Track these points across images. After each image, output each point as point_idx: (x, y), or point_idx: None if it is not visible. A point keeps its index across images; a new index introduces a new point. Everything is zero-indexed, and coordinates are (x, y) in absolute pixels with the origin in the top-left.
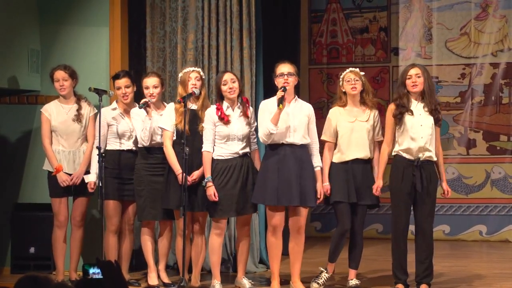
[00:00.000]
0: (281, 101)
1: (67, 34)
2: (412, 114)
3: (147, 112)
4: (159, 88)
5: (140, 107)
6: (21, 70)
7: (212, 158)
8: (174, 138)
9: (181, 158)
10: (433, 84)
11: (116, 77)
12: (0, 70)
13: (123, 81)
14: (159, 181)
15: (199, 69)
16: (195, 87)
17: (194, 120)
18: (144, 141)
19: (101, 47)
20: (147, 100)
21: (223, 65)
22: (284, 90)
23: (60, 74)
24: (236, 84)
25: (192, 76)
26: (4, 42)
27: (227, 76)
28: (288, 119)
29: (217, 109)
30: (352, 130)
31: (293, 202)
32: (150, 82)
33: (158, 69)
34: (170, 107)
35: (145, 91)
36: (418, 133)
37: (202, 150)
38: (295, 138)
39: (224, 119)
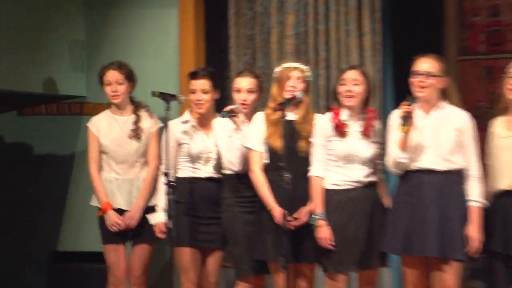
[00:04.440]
0: (406, 120)
1: (121, 19)
2: None
3: (235, 123)
4: (255, 94)
5: (223, 116)
6: (60, 69)
7: (325, 188)
8: (266, 160)
9: (277, 188)
10: None
11: (193, 75)
12: (32, 69)
13: (201, 83)
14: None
15: (303, 66)
16: (295, 90)
17: (292, 135)
18: (233, 165)
19: (168, 36)
20: (235, 107)
21: (334, 58)
22: (412, 101)
23: (113, 75)
24: (358, 89)
25: (293, 75)
26: (36, 30)
27: (350, 75)
28: (424, 134)
29: (333, 115)
30: (507, 149)
31: (429, 252)
32: (245, 84)
33: (245, 64)
34: (258, 118)
35: (236, 96)
36: None
37: (310, 174)
38: (434, 161)
39: (340, 130)
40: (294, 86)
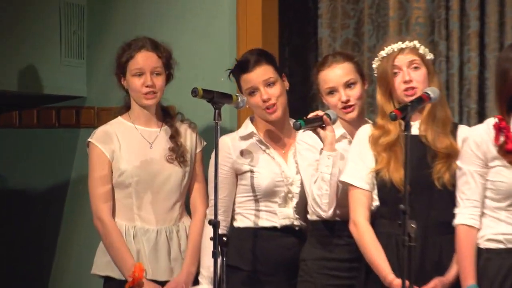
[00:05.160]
0: None
1: None
2: None
3: (322, 139)
4: (357, 89)
5: (301, 127)
6: (43, 54)
7: (479, 246)
8: (376, 203)
9: (394, 247)
10: None
11: (242, 66)
12: (4, 57)
13: (260, 72)
14: None
15: (417, 43)
16: (415, 87)
17: (421, 160)
18: (320, 208)
19: (220, 9)
20: (324, 114)
21: (493, 32)
22: None
23: (148, 59)
24: None
25: (401, 60)
26: None
27: None
28: None
29: (496, 127)
30: None
31: None
32: (339, 73)
33: (344, 44)
34: (363, 133)
35: (327, 95)
36: None
37: (454, 223)
38: None
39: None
40: (410, 85)
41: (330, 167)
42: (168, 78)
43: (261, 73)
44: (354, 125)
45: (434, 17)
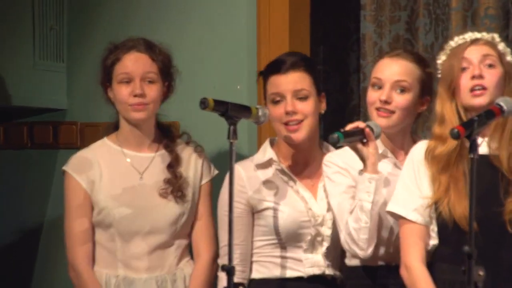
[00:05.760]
0: None
1: None
2: None
3: (362, 157)
4: (405, 96)
5: (338, 142)
6: (16, 55)
7: None
8: (433, 242)
9: None
10: None
11: (274, 66)
12: None
13: (292, 80)
14: None
15: (496, 36)
16: (486, 88)
17: (491, 188)
18: (357, 244)
19: (237, 9)
20: (365, 126)
21: None
22: None
23: (138, 62)
24: None
25: (472, 56)
26: None
27: None
28: None
29: None
30: None
31: None
32: (391, 72)
33: (394, 41)
34: (417, 153)
35: (372, 97)
36: None
37: None
38: None
39: None
40: (480, 82)
41: (372, 193)
42: (168, 90)
43: (294, 80)
44: (396, 142)
45: (509, 7)
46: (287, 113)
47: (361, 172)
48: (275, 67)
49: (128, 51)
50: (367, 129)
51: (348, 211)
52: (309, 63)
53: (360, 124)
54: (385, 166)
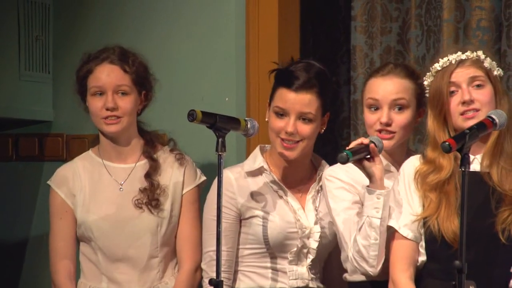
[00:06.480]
0: None
1: None
2: None
3: (368, 173)
4: (405, 115)
5: (348, 161)
6: (0, 66)
7: None
8: (422, 259)
9: None
10: None
11: (287, 78)
12: None
13: (300, 101)
14: None
15: (481, 54)
16: (476, 107)
17: (483, 203)
18: (367, 262)
19: (225, 14)
20: (369, 142)
21: None
22: None
23: (110, 74)
24: None
25: (459, 75)
26: None
27: None
28: None
29: None
30: None
31: None
32: (383, 89)
33: (385, 53)
34: (408, 167)
35: (366, 108)
36: None
37: None
38: None
39: None
40: (471, 107)
41: (381, 209)
42: (146, 99)
43: (302, 102)
44: (395, 156)
45: (502, 20)
46: (286, 131)
47: (368, 188)
48: (288, 81)
49: (101, 62)
50: (372, 145)
51: (356, 228)
52: (322, 82)
53: (364, 140)
54: (388, 179)
